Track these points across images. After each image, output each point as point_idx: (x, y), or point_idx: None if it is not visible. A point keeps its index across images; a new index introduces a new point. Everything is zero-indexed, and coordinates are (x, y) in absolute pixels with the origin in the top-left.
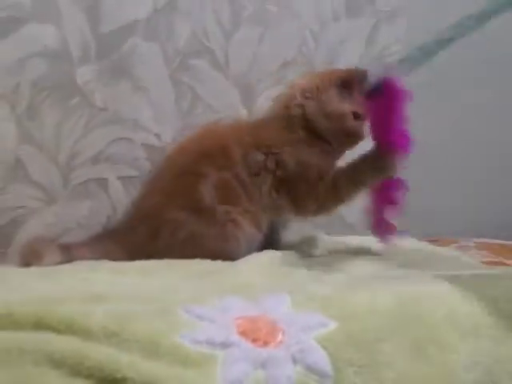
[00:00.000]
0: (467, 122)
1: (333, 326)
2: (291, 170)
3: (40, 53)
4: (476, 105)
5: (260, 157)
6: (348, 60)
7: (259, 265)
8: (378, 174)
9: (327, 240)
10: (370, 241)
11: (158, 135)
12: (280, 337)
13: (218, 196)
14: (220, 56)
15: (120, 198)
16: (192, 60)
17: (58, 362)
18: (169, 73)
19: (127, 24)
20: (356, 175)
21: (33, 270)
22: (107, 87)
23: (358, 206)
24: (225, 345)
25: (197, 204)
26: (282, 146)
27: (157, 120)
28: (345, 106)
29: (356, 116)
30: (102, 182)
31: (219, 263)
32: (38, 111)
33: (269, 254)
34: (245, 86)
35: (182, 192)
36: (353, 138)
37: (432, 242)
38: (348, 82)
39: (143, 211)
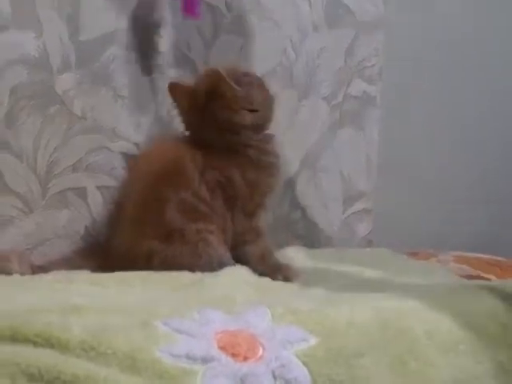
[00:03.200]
0: (443, 134)
1: (313, 341)
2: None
3: (19, 60)
4: (454, 118)
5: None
6: (327, 71)
7: (238, 277)
8: None
9: (303, 252)
10: (351, 253)
11: (137, 144)
12: (260, 352)
13: (184, 217)
14: (200, 66)
15: (99, 208)
16: (172, 70)
17: (34, 376)
18: (148, 82)
19: (107, 33)
20: None
21: (8, 279)
22: (86, 96)
23: (337, 218)
24: (205, 359)
25: (166, 229)
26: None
27: (136, 129)
28: None
29: None
30: (81, 192)
31: (198, 275)
32: (17, 119)
33: (246, 267)
34: None
35: (149, 221)
36: None
37: (411, 255)
38: None
39: (115, 247)
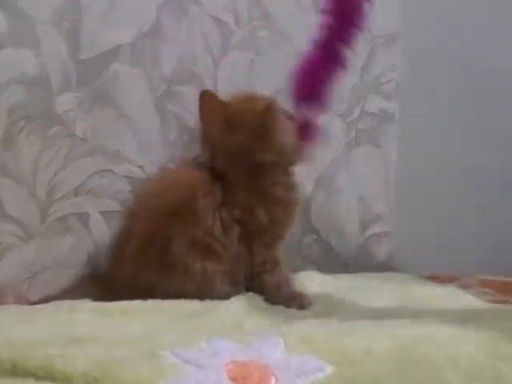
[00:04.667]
0: (465, 151)
1: (329, 370)
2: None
3: (17, 79)
4: (476, 134)
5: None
6: (343, 87)
7: (248, 305)
8: None
9: (318, 278)
10: (368, 278)
11: (141, 167)
12: (273, 383)
13: (192, 253)
14: (208, 83)
15: (102, 234)
16: (179, 87)
17: None
18: (154, 100)
19: (110, 49)
20: None
21: (8, 309)
22: (88, 116)
23: (354, 243)
24: None
25: (170, 263)
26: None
27: (141, 151)
28: None
29: None
30: (83, 217)
31: (207, 303)
32: (15, 141)
33: (257, 295)
34: None
35: (153, 253)
36: None
37: (431, 279)
38: None
39: (116, 280)
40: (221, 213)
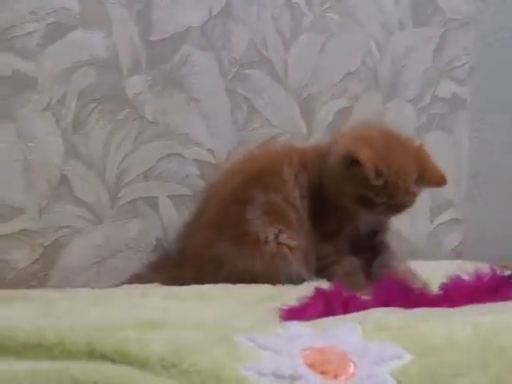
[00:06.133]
0: None
1: (408, 358)
2: None
3: (88, 62)
4: None
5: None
6: (414, 71)
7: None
8: None
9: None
10: (439, 266)
11: (211, 150)
12: (352, 369)
13: (267, 220)
14: (279, 66)
15: (171, 219)
16: (249, 70)
17: None
18: (224, 84)
19: (180, 31)
20: None
21: (82, 294)
22: (158, 99)
23: (423, 230)
24: (293, 378)
25: (243, 236)
26: None
27: (210, 134)
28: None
29: None
30: (152, 201)
31: (279, 288)
32: (85, 124)
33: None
34: (305, 99)
35: (227, 222)
36: None
37: (503, 268)
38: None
39: (188, 249)
40: (299, 179)
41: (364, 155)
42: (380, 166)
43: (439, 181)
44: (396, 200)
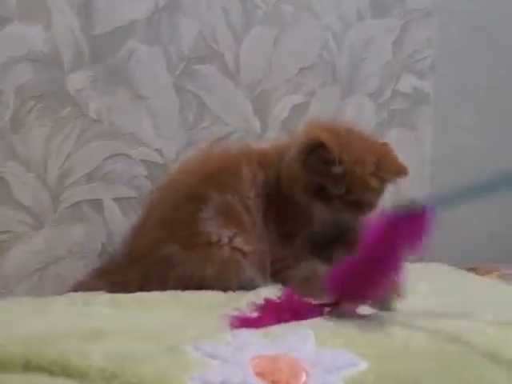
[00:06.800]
0: (505, 133)
1: (364, 365)
2: None
3: (25, 56)
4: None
5: None
6: (373, 65)
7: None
8: None
9: None
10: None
11: (159, 150)
12: (304, 378)
13: (221, 222)
14: (230, 61)
15: (117, 222)
16: (198, 65)
17: None
18: (172, 80)
19: (124, 24)
20: None
21: (23, 301)
22: (102, 96)
23: None
24: None
25: (194, 237)
26: None
27: (158, 133)
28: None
29: None
30: (97, 204)
31: (230, 294)
32: (24, 123)
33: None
34: (258, 95)
35: (177, 224)
36: None
37: (470, 270)
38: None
39: (135, 251)
40: (257, 186)
41: (327, 139)
42: (341, 152)
43: (399, 170)
44: (354, 194)
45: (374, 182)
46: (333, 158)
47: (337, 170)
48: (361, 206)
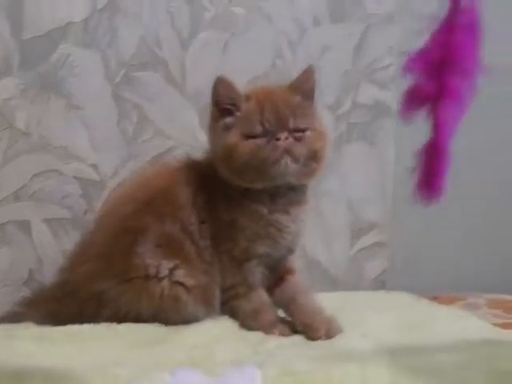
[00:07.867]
0: (473, 148)
1: None
2: None
3: None
4: (487, 130)
5: None
6: (331, 74)
7: (221, 330)
8: None
9: None
10: (360, 297)
11: (95, 166)
12: None
13: (160, 254)
14: (175, 68)
15: (47, 246)
16: (140, 73)
17: None
18: (110, 88)
19: (58, 27)
20: None
21: None
22: (32, 105)
23: (343, 254)
24: None
25: (130, 271)
26: None
27: (94, 147)
28: None
29: None
30: (24, 225)
31: (170, 328)
32: None
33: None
34: (205, 106)
35: (114, 258)
36: None
37: (433, 299)
38: None
39: (70, 283)
40: (198, 208)
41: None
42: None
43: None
44: (283, 124)
45: (296, 100)
46: (237, 91)
47: (246, 103)
48: (302, 144)
